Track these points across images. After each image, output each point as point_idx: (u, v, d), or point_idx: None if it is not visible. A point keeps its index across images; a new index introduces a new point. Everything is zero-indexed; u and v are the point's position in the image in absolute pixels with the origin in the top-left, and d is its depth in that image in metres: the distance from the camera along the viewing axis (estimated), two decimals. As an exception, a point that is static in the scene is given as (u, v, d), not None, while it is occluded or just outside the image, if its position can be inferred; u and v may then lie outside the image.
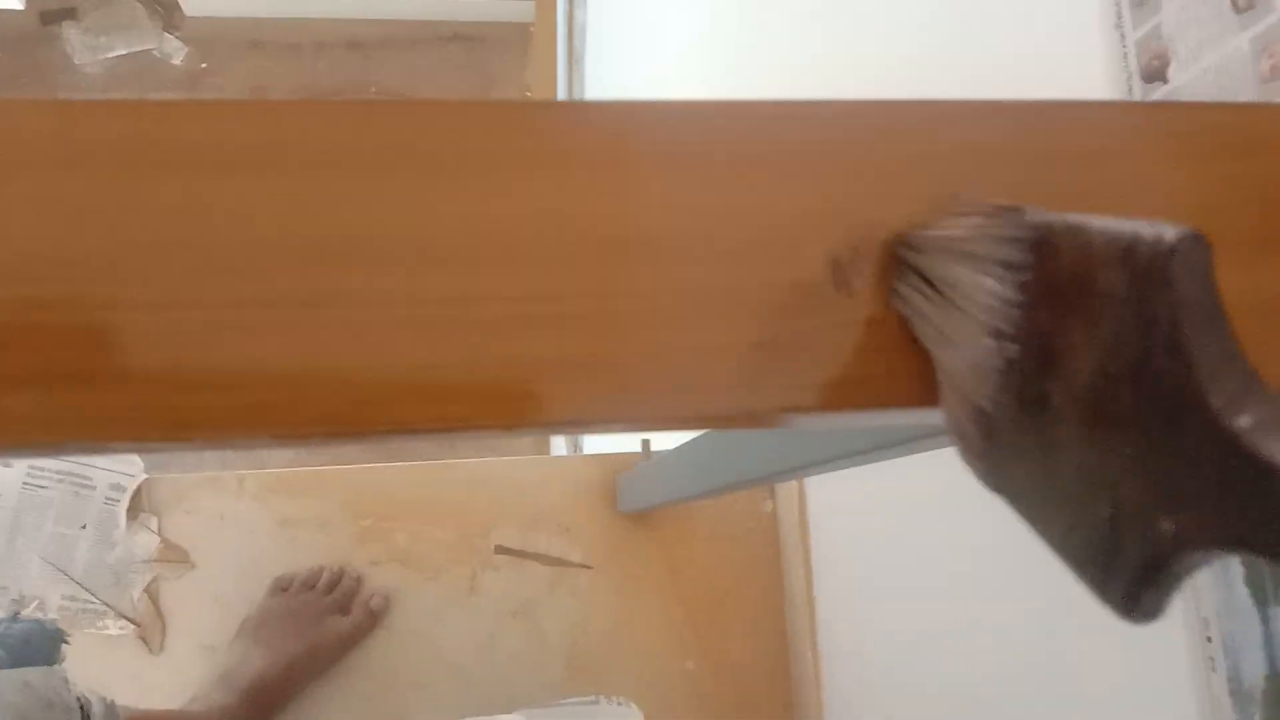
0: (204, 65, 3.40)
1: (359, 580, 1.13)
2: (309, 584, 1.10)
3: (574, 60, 3.35)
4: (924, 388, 0.21)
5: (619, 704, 0.84)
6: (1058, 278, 0.18)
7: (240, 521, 1.13)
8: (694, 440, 0.78)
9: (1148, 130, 0.24)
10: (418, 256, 0.20)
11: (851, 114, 0.22)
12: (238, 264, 0.20)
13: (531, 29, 3.38)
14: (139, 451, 0.20)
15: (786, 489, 1.14)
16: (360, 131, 0.21)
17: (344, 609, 1.10)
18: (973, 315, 0.19)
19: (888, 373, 0.21)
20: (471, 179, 0.21)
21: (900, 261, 0.21)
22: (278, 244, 0.20)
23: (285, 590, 1.10)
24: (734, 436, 0.64)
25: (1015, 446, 0.18)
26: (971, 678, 0.75)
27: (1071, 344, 0.17)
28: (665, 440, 0.99)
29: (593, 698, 0.85)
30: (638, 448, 1.19)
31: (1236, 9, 0.45)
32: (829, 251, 0.21)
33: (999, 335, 0.18)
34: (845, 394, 0.21)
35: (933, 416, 0.22)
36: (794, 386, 0.21)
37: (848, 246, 0.21)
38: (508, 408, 0.20)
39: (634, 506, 1.10)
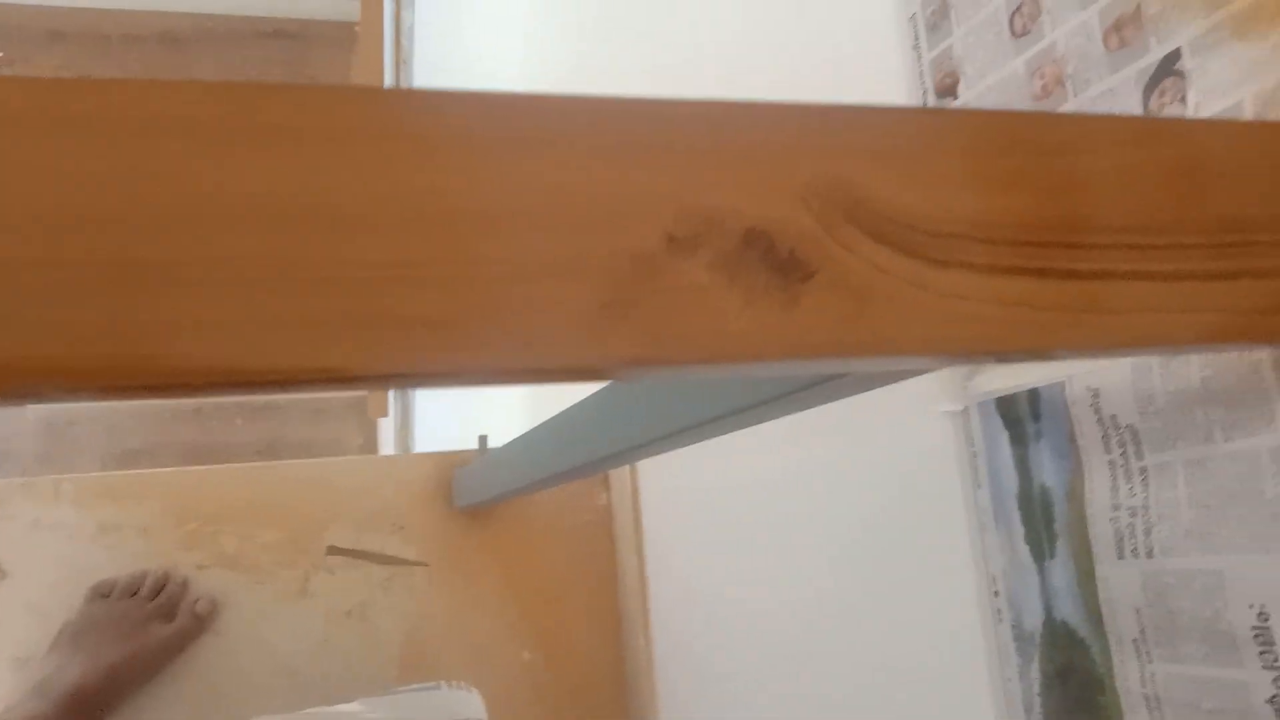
0: (1, 54, 3.20)
1: (184, 585, 1.10)
2: (131, 590, 1.07)
3: (402, 62, 3.31)
4: (743, 345, 0.25)
5: (460, 688, 0.86)
6: None
7: (57, 527, 1.08)
8: (530, 431, 0.80)
9: (932, 131, 0.28)
10: (291, 223, 0.22)
11: (680, 112, 0.26)
12: (137, 228, 0.21)
13: (356, 28, 3.33)
14: (36, 401, 0.21)
15: (620, 482, 1.18)
16: (243, 110, 0.23)
17: (168, 615, 1.07)
18: None
19: (716, 331, 0.24)
20: (339, 156, 0.23)
21: None
22: (175, 209, 0.22)
23: (105, 597, 1.06)
24: (569, 422, 0.67)
25: None
26: (788, 647, 0.80)
27: None
28: (502, 437, 1.02)
29: (434, 684, 0.87)
30: (473, 444, 1.21)
31: (1014, 34, 0.52)
32: (665, 228, 0.25)
33: None
34: (678, 348, 0.24)
35: (753, 370, 0.25)
36: (635, 341, 0.24)
37: (682, 224, 0.25)
38: (379, 359, 0.22)
39: (471, 501, 1.12)
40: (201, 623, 1.09)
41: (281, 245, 0.22)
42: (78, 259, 0.21)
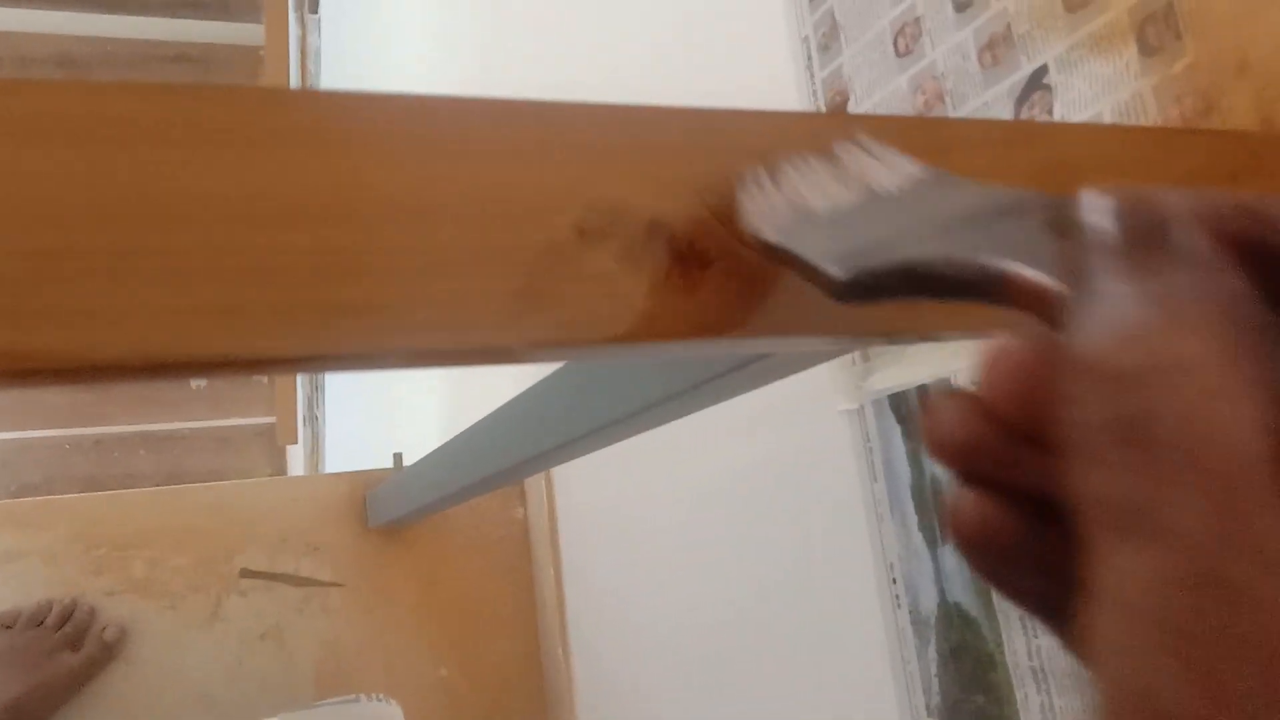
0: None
1: (91, 612, 1.08)
2: (36, 620, 1.05)
3: (308, 84, 3.29)
4: (648, 327, 0.27)
5: (379, 700, 0.86)
6: None
7: (-45, 556, 1.06)
8: (447, 443, 0.81)
9: (818, 134, 0.31)
10: (219, 217, 0.24)
11: (587, 114, 0.28)
12: (64, 222, 0.23)
13: (261, 52, 3.29)
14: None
15: (536, 494, 1.19)
16: (173, 109, 0.24)
17: (75, 643, 1.05)
18: None
19: (623, 315, 0.27)
20: (268, 154, 0.25)
21: None
22: (104, 205, 0.23)
23: (9, 627, 1.04)
24: (486, 429, 0.68)
25: None
26: (702, 644, 0.83)
27: None
28: (416, 455, 1.02)
29: (353, 696, 0.87)
30: (387, 463, 1.21)
31: (898, 54, 0.55)
32: (574, 220, 0.27)
33: None
34: (588, 331, 0.26)
35: (657, 351, 0.27)
36: (548, 325, 0.26)
37: (590, 217, 0.27)
38: (305, 341, 0.24)
39: (386, 519, 1.12)
40: (110, 650, 1.07)
41: (208, 238, 0.23)
42: (4, 251, 0.22)
